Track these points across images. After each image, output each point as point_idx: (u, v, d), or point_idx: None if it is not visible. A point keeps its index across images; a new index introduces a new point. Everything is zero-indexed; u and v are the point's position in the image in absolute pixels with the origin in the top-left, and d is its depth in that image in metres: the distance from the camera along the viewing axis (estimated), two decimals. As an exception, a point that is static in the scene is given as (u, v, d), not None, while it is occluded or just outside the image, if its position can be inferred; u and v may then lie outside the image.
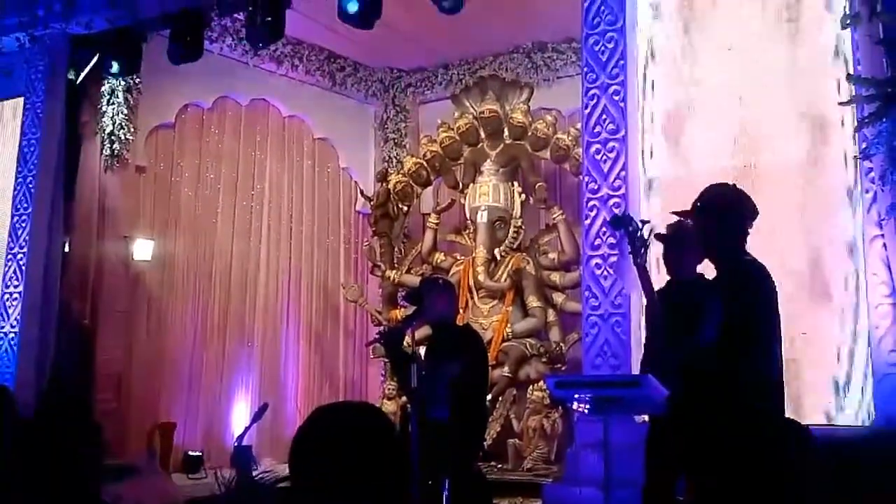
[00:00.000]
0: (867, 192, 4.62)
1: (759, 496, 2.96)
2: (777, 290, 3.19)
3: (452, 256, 8.80)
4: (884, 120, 4.39)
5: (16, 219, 7.56)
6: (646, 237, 3.57)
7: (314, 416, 1.79)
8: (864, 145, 4.56)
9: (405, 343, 4.78)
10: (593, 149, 5.39)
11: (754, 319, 3.05)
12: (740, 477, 2.96)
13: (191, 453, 8.30)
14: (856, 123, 4.64)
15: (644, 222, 3.60)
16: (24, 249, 7.44)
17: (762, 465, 2.95)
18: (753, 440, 2.98)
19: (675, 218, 3.65)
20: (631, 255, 3.52)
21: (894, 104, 4.37)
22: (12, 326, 7.36)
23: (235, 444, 5.78)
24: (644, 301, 3.96)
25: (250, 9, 6.91)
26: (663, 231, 3.75)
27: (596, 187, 5.34)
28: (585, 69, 5.52)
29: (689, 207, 3.46)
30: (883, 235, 4.51)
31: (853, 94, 4.64)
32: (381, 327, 8.69)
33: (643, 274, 3.57)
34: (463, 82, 9.46)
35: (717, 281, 3.26)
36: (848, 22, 4.66)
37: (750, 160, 5.07)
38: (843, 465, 3.49)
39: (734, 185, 3.55)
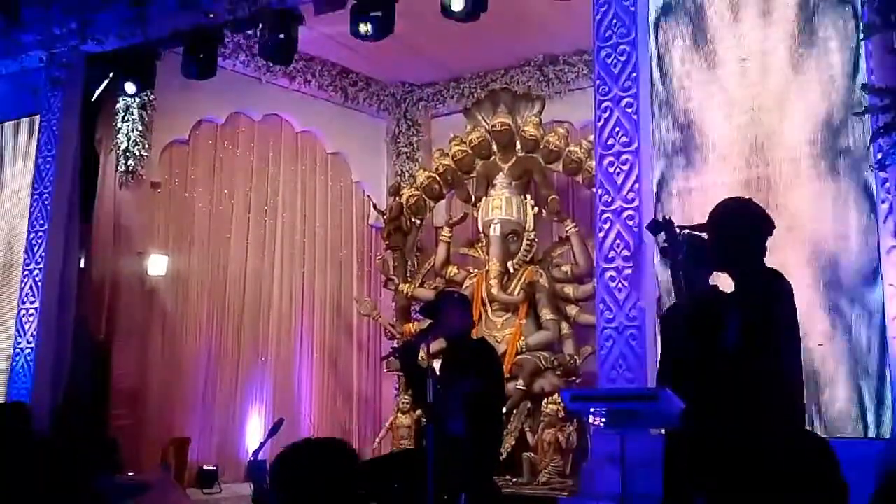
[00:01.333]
0: (883, 202, 4.59)
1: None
2: (795, 300, 3.18)
3: (465, 269, 8.79)
4: (899, 130, 4.37)
5: (32, 235, 7.62)
6: (683, 242, 3.52)
7: (279, 457, 2.09)
8: (879, 156, 4.53)
9: (420, 357, 4.79)
10: (606, 161, 5.38)
11: (774, 329, 3.03)
12: (757, 491, 2.93)
13: (205, 468, 8.31)
14: (871, 134, 4.61)
15: (682, 228, 3.56)
16: (41, 266, 7.49)
17: (780, 478, 2.93)
18: (771, 453, 2.95)
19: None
20: (669, 260, 3.48)
21: (909, 114, 4.35)
22: (28, 342, 7.41)
23: (251, 458, 5.79)
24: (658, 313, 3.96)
25: (262, 26, 6.96)
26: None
27: (609, 200, 5.33)
28: (598, 82, 5.52)
29: (703, 221, 3.44)
30: (900, 246, 4.48)
31: (868, 104, 4.62)
32: (396, 341, 8.69)
33: (678, 279, 3.53)
34: (475, 96, 9.47)
35: (736, 292, 3.23)
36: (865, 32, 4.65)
37: (764, 172, 5.05)
38: (863, 479, 3.45)
39: (750, 199, 3.53)
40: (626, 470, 3.48)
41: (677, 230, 3.50)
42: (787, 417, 3.00)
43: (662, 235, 3.53)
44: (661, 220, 3.64)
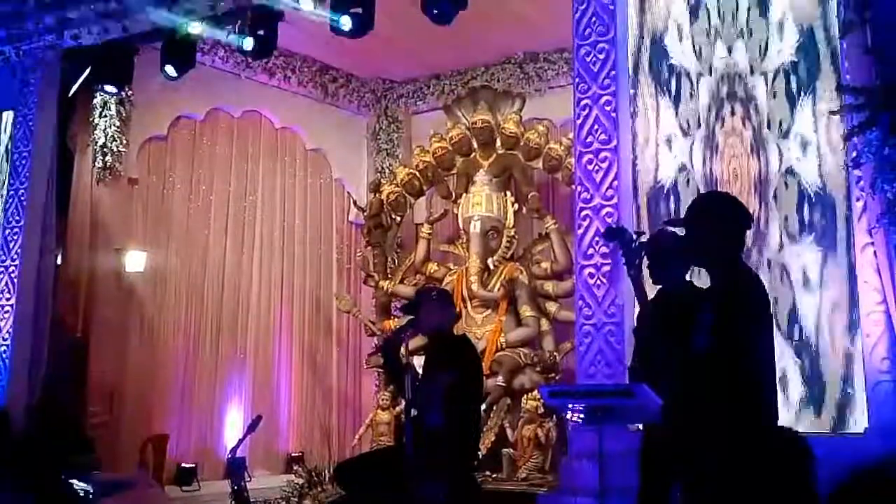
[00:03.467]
0: (858, 200, 4.65)
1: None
2: (768, 298, 3.21)
3: (446, 266, 8.80)
4: (873, 129, 4.41)
5: (7, 231, 7.54)
6: (640, 248, 3.57)
7: None
8: (853, 154, 4.59)
9: (401, 352, 4.80)
10: (585, 159, 5.41)
11: (748, 329, 3.05)
12: (734, 485, 2.96)
13: (184, 465, 8.27)
14: (845, 132, 4.66)
15: (638, 233, 3.61)
16: (17, 262, 7.42)
17: (756, 473, 2.96)
18: (747, 448, 2.98)
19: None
20: (626, 266, 3.52)
21: (884, 113, 4.40)
22: (4, 340, 7.33)
23: (229, 455, 5.78)
24: (637, 311, 3.98)
25: (240, 22, 6.92)
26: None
27: (588, 197, 5.35)
28: (577, 80, 5.54)
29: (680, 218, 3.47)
30: (873, 243, 4.54)
31: (843, 103, 4.67)
32: (376, 338, 8.69)
33: (638, 285, 3.56)
34: (455, 93, 9.49)
35: (712, 289, 3.25)
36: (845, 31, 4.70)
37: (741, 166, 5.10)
38: (836, 474, 3.50)
39: (728, 193, 3.57)
40: (605, 465, 3.50)
41: (634, 236, 3.53)
42: (756, 417, 3.02)
43: (617, 242, 3.57)
44: (614, 227, 3.68)
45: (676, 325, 3.20)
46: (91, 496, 4.65)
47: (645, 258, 3.73)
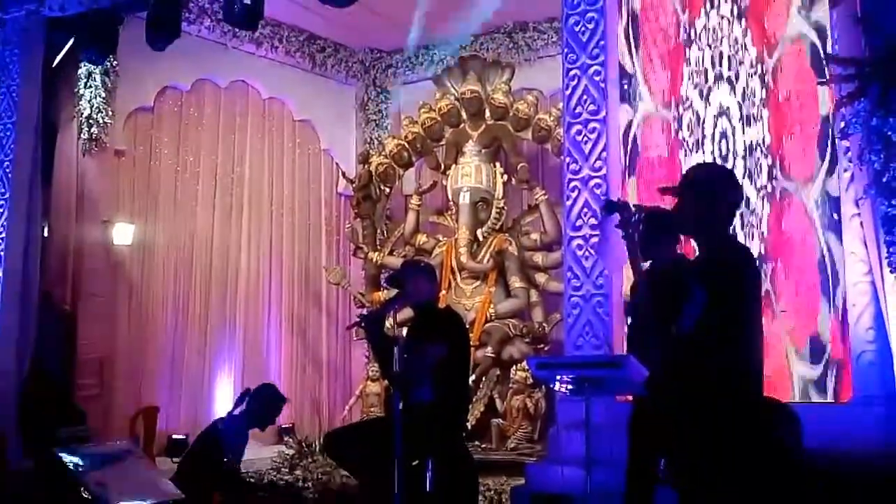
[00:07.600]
0: (845, 171, 4.65)
1: (740, 475, 2.99)
2: (760, 273, 3.21)
3: (435, 238, 8.79)
4: (862, 99, 4.40)
5: (-8, 204, 7.48)
6: (639, 222, 3.51)
7: None
8: (842, 125, 4.58)
9: (387, 325, 4.80)
10: (574, 130, 5.39)
11: (737, 304, 3.03)
12: (721, 455, 2.99)
13: (175, 437, 8.29)
14: (834, 103, 4.65)
15: (637, 207, 3.55)
16: (3, 235, 7.36)
17: (740, 444, 2.98)
18: (731, 421, 3.00)
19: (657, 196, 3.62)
20: (624, 240, 3.47)
21: (872, 84, 4.38)
22: (-8, 313, 7.29)
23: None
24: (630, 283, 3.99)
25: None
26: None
27: (577, 168, 5.34)
28: (566, 50, 5.50)
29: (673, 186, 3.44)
30: (860, 214, 4.55)
31: (831, 73, 4.66)
32: (365, 309, 8.70)
33: (635, 259, 3.53)
34: (444, 63, 9.42)
35: (701, 263, 3.24)
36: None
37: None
38: (823, 442, 3.54)
39: (723, 165, 3.55)
40: (592, 435, 3.52)
41: (633, 210, 3.49)
42: (740, 391, 3.03)
43: (617, 216, 3.51)
44: (615, 200, 3.63)
45: (667, 301, 3.18)
46: (81, 469, 4.66)
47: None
